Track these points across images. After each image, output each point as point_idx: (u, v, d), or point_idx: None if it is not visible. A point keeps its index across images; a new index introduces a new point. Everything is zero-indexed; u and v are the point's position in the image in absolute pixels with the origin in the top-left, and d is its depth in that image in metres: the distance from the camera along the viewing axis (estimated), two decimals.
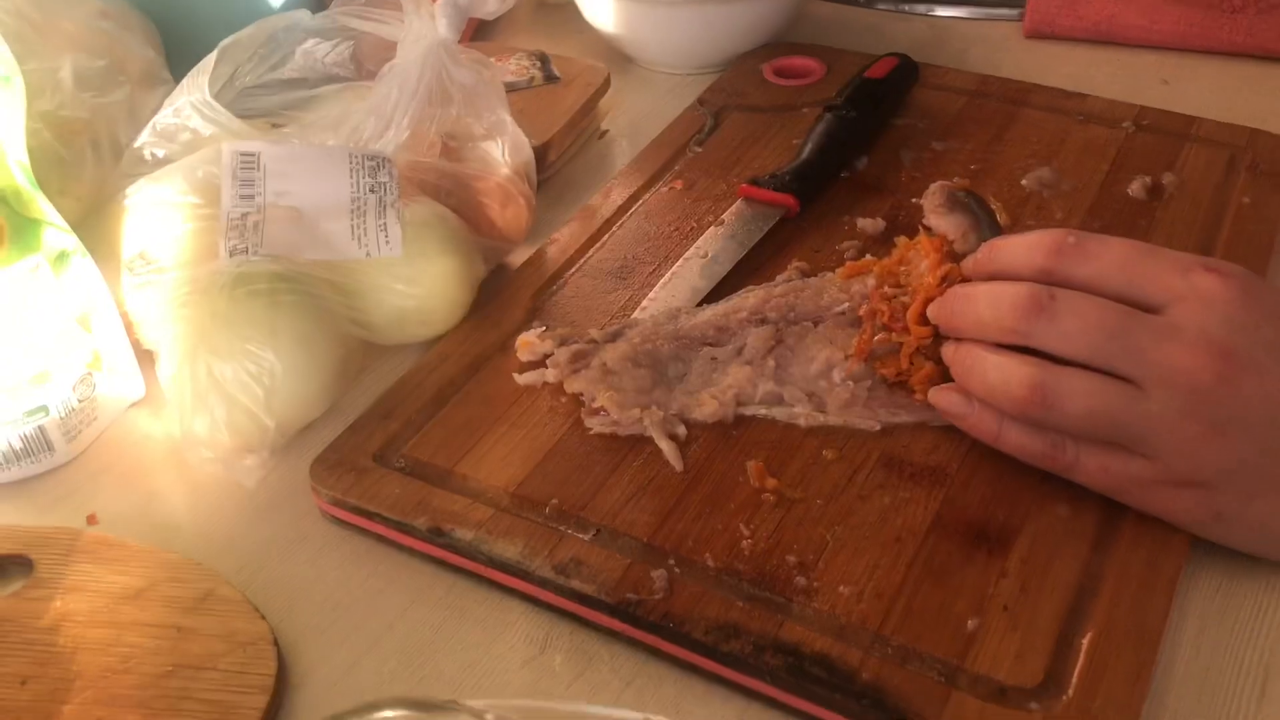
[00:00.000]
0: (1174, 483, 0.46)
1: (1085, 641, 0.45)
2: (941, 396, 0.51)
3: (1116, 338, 0.45)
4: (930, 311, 0.52)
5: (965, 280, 0.51)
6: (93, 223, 0.58)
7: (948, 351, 0.51)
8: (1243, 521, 0.46)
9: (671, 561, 0.48)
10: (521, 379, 0.57)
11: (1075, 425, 0.47)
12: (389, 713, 0.34)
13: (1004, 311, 0.48)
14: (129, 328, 0.58)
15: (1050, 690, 0.43)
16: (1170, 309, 0.46)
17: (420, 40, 0.61)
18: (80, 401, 0.57)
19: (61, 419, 0.56)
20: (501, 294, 0.63)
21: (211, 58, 0.61)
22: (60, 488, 0.56)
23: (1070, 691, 0.43)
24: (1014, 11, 0.91)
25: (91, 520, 0.54)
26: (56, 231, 0.54)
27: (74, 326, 0.55)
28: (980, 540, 0.49)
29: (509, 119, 0.64)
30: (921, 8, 0.93)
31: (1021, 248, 0.49)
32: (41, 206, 0.53)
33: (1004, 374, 0.47)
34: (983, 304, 0.49)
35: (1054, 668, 0.44)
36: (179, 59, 0.70)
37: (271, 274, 0.55)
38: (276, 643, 0.48)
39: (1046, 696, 0.43)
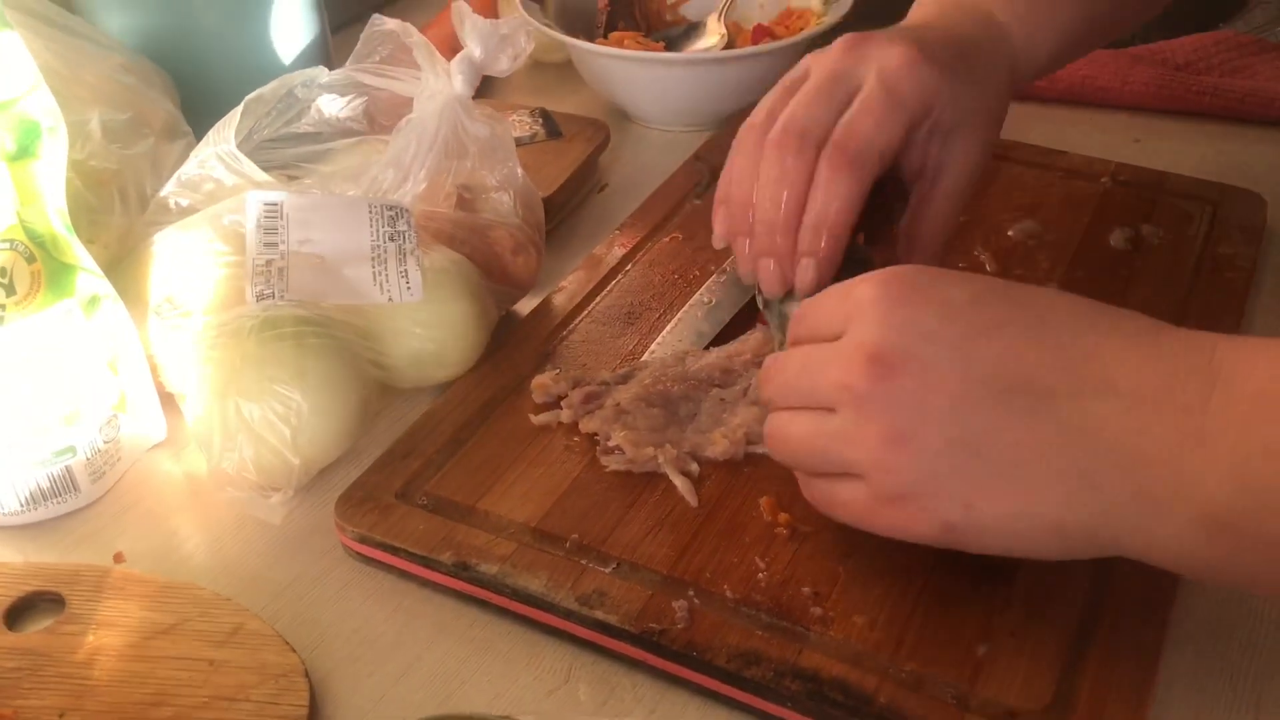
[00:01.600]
0: (889, 499, 0.45)
1: (1089, 665, 0.47)
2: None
3: (804, 374, 0.47)
4: None
5: None
6: (119, 269, 0.60)
7: None
8: (978, 527, 0.44)
9: (691, 593, 0.50)
10: (537, 419, 0.59)
11: (801, 462, 0.48)
12: None
13: (761, 386, 0.50)
14: (153, 371, 0.59)
15: (1058, 711, 0.45)
16: (846, 328, 0.46)
17: (436, 96, 0.64)
18: (106, 442, 0.58)
19: (88, 460, 0.57)
20: (513, 338, 0.65)
21: (237, 111, 0.63)
22: (85, 527, 0.58)
23: (1078, 712, 0.45)
24: None
25: (118, 558, 0.56)
26: (89, 276, 0.56)
27: (103, 369, 0.57)
28: (984, 572, 0.51)
29: (520, 171, 0.67)
30: None
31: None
32: (76, 252, 0.55)
33: (765, 434, 0.50)
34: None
35: (1061, 690, 0.46)
36: (194, 113, 0.72)
37: (297, 318, 0.56)
38: (307, 674, 0.49)
39: (1055, 717, 0.45)
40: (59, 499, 0.57)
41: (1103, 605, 0.49)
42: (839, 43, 0.58)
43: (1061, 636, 0.48)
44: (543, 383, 0.61)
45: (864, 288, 0.46)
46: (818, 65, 0.57)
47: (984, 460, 0.43)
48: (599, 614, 0.49)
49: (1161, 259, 0.69)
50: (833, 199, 0.54)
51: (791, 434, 0.48)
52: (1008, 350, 0.44)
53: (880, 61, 0.56)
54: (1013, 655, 0.47)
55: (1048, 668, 0.47)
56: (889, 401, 0.44)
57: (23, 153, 0.52)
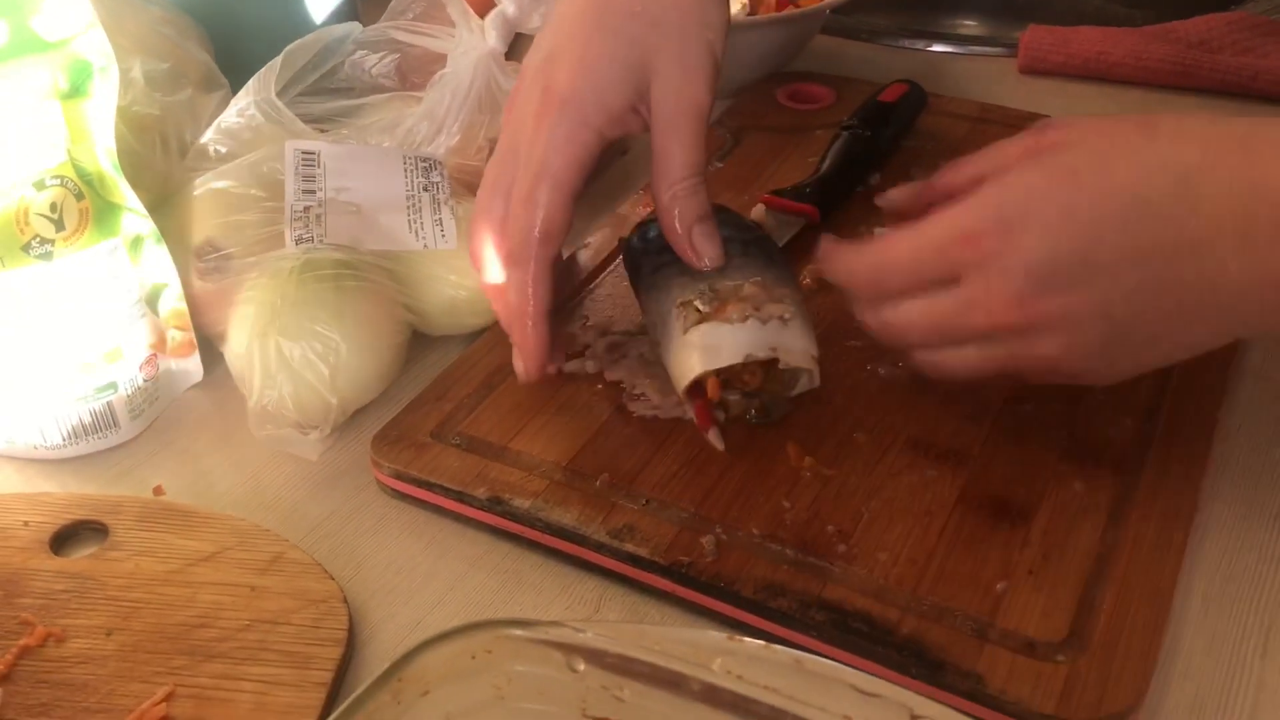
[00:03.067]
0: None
1: (1105, 602, 0.48)
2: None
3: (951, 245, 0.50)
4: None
5: None
6: (161, 212, 0.61)
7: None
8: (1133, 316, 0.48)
9: (718, 529, 0.52)
10: (566, 366, 0.61)
11: (932, 334, 0.51)
12: (495, 631, 0.37)
13: (881, 277, 0.53)
14: (193, 312, 0.61)
15: (1074, 644, 0.47)
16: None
17: (471, 51, 0.66)
18: (145, 380, 0.59)
19: (128, 396, 0.59)
20: None
21: (277, 61, 0.65)
22: (125, 462, 0.59)
23: (1093, 646, 0.47)
24: (1005, 49, 0.96)
25: (158, 492, 0.57)
26: (134, 217, 0.57)
27: (144, 308, 0.58)
28: (1003, 513, 0.52)
29: None
30: (920, 43, 0.98)
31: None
32: (123, 192, 0.56)
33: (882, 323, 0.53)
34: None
35: (1077, 625, 0.48)
36: (228, 68, 0.74)
37: (336, 261, 0.58)
38: (346, 600, 0.51)
39: (1071, 650, 0.47)
40: (100, 434, 0.59)
41: (1118, 546, 0.51)
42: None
43: (1078, 575, 0.50)
44: (570, 331, 0.62)
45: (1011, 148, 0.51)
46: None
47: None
48: (629, 547, 0.51)
49: None
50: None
51: (917, 317, 0.51)
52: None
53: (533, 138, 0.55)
54: (1031, 591, 0.49)
55: (1064, 604, 0.48)
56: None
57: (75, 91, 0.53)
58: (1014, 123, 0.81)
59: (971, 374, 0.52)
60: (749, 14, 0.91)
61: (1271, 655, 0.49)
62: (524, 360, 0.58)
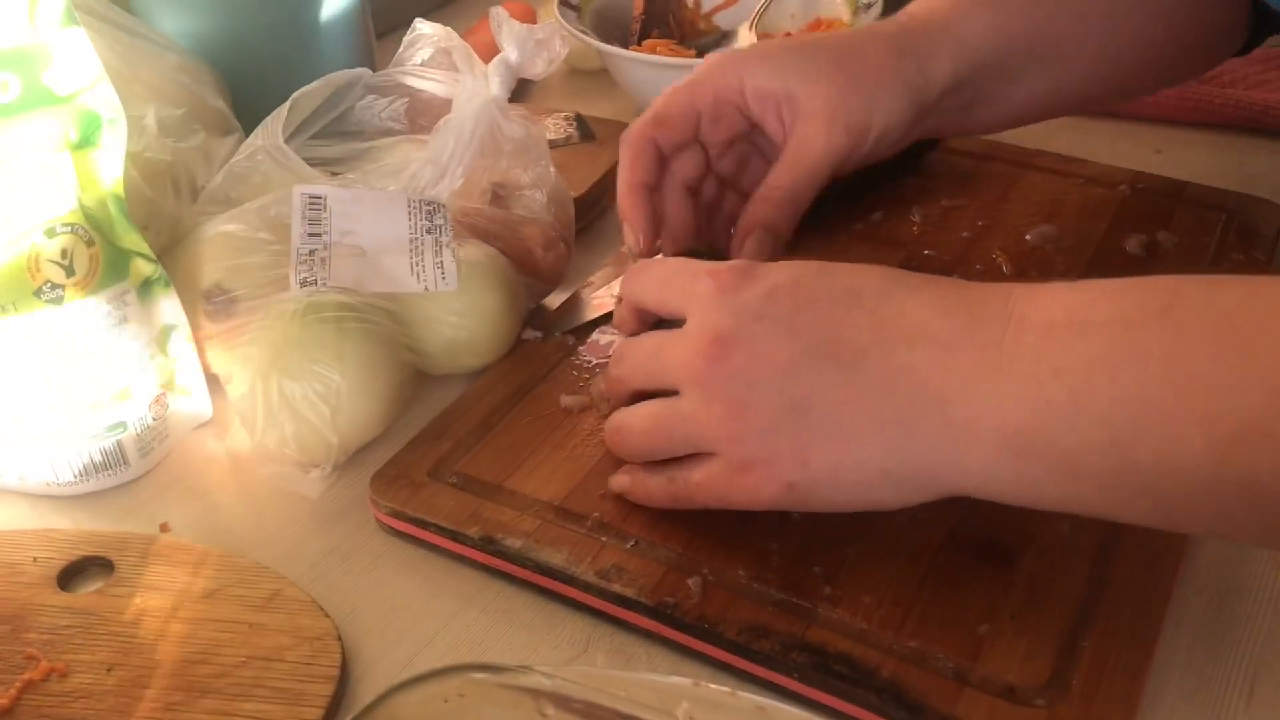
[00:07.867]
0: (739, 469, 0.49)
1: (1087, 646, 0.49)
2: (612, 481, 0.56)
3: (652, 357, 0.53)
4: None
5: None
6: (171, 255, 0.63)
7: None
8: (815, 482, 0.48)
9: (705, 570, 0.52)
10: (565, 401, 0.62)
11: (648, 447, 0.53)
12: (466, 675, 0.37)
13: (613, 365, 0.56)
14: (201, 352, 0.62)
15: (1055, 689, 0.47)
16: (687, 315, 0.51)
17: (474, 97, 0.67)
18: (155, 420, 0.61)
19: (137, 435, 0.60)
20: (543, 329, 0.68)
21: (285, 108, 0.66)
22: (133, 499, 0.61)
23: (1073, 690, 0.47)
24: None
25: (164, 529, 0.59)
26: (144, 260, 0.59)
27: (154, 349, 0.60)
28: (989, 556, 0.53)
29: (553, 170, 0.70)
30: None
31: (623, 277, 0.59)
32: (133, 237, 0.58)
33: (606, 432, 0.56)
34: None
35: (1059, 669, 0.48)
36: (244, 112, 0.76)
37: (339, 303, 0.59)
38: (340, 638, 0.52)
39: (1052, 694, 0.47)
40: (109, 472, 0.60)
41: (1103, 591, 0.51)
42: None
43: (1061, 619, 0.50)
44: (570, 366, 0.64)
45: (704, 279, 0.51)
46: None
47: (811, 420, 0.48)
48: (617, 587, 0.52)
49: (1175, 265, 0.71)
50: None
51: (636, 424, 0.53)
52: (825, 320, 0.48)
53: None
54: (1013, 636, 0.49)
55: (1046, 648, 0.49)
56: (725, 377, 0.49)
57: (85, 142, 0.55)
58: (1018, 160, 0.82)
59: (646, 444, 0.53)
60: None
61: (1257, 701, 0.49)
62: (630, 231, 0.64)
